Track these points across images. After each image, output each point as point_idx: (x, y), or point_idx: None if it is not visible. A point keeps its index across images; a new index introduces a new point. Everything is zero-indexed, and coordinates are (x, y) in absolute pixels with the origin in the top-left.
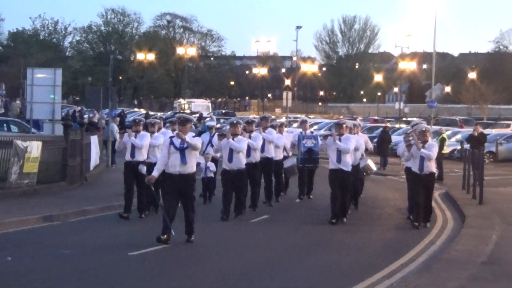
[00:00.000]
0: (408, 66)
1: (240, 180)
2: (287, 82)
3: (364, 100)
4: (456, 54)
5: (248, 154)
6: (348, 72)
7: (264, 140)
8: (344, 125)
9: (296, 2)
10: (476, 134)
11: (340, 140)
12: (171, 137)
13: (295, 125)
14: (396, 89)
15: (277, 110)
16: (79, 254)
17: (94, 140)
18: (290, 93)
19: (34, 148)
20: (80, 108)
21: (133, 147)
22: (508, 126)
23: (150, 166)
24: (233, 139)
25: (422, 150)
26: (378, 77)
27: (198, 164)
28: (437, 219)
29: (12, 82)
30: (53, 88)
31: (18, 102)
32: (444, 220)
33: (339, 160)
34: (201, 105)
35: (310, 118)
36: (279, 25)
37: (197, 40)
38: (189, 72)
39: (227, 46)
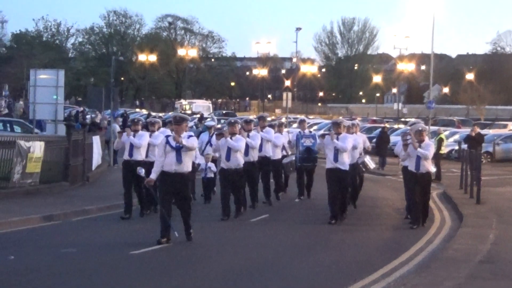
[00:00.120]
0: (407, 67)
1: (237, 179)
2: (287, 83)
3: (363, 100)
4: (454, 55)
5: (246, 153)
6: (347, 73)
7: (262, 139)
8: (341, 124)
9: (296, 4)
10: (473, 134)
11: (337, 139)
12: (167, 137)
13: (295, 125)
14: (394, 90)
15: (277, 111)
16: (80, 253)
17: (96, 140)
18: (290, 94)
19: (37, 148)
20: (82, 109)
21: (132, 146)
22: (505, 126)
23: (150, 165)
24: (231, 138)
25: (419, 149)
26: (377, 78)
27: (198, 165)
28: (435, 219)
29: (15, 83)
30: (56, 89)
31: (21, 102)
32: (442, 220)
33: (336, 159)
34: (202, 106)
35: (309, 118)
36: (279, 27)
37: (198, 42)
38: (190, 73)
39: (228, 48)
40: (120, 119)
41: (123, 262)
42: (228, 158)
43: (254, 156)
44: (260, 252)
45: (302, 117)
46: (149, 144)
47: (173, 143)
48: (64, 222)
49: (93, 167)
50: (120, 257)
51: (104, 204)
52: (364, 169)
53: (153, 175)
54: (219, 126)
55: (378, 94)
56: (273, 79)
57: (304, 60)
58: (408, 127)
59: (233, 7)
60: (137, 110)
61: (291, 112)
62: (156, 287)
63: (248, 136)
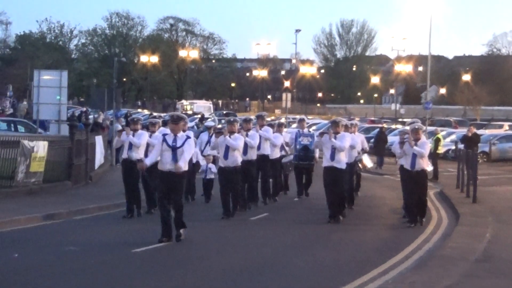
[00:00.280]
0: (404, 68)
1: (235, 178)
2: (287, 84)
3: (361, 101)
4: (450, 56)
5: (245, 152)
6: (346, 74)
7: (260, 138)
8: (340, 123)
9: (295, 7)
10: (470, 134)
11: (335, 138)
12: (164, 135)
13: (294, 125)
14: (392, 91)
15: (277, 111)
16: (82, 252)
17: (99, 140)
18: (289, 95)
19: (41, 148)
20: (85, 109)
21: (131, 145)
22: (501, 127)
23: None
24: (230, 136)
25: (415, 147)
26: (375, 79)
27: (199, 166)
28: (431, 218)
29: (19, 84)
30: (59, 89)
31: (25, 103)
32: (438, 218)
33: (332, 157)
34: (203, 106)
35: (308, 118)
36: (279, 29)
37: (199, 43)
38: (191, 74)
39: (228, 49)
40: (123, 119)
41: (125, 261)
42: (226, 156)
43: (253, 155)
44: (260, 251)
45: (302, 116)
46: (148, 145)
47: (170, 142)
48: (67, 221)
49: (96, 167)
50: (121, 255)
51: (106, 203)
52: (361, 167)
53: (148, 161)
54: (219, 126)
55: (376, 95)
56: (273, 80)
57: (303, 61)
58: (407, 127)
59: (233, 9)
60: (139, 110)
61: (291, 113)
62: (157, 285)
63: (247, 135)
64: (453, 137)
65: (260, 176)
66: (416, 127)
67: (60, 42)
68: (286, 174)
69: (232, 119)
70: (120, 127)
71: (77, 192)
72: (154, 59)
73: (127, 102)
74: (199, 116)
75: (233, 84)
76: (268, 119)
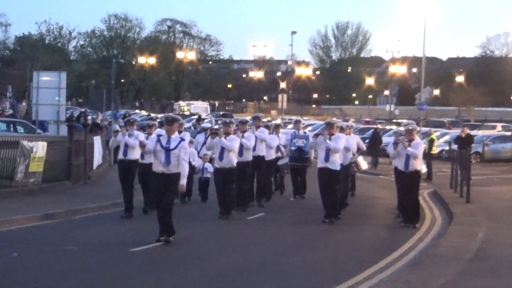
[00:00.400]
0: (399, 70)
1: (230, 179)
2: (283, 85)
3: (356, 102)
4: (444, 58)
5: (241, 154)
6: (341, 75)
7: (256, 139)
8: (335, 125)
9: (291, 9)
10: (463, 135)
11: (330, 139)
12: (158, 135)
13: (290, 126)
14: (387, 92)
15: (273, 112)
16: (82, 251)
17: (97, 140)
18: (285, 96)
19: (40, 148)
20: (84, 110)
21: (126, 146)
22: (494, 127)
23: (146, 167)
24: (225, 138)
25: (408, 148)
26: (370, 81)
27: (194, 166)
28: (426, 217)
29: (19, 85)
30: (58, 90)
31: (24, 104)
32: (432, 218)
33: (327, 158)
34: (200, 107)
35: (304, 119)
36: (275, 31)
37: (196, 45)
38: (188, 75)
39: (225, 51)
40: (121, 120)
41: (124, 260)
42: (221, 157)
43: (248, 156)
44: (258, 251)
45: (298, 118)
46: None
47: (164, 143)
48: (66, 220)
49: (94, 167)
50: (120, 255)
51: (105, 202)
52: (356, 169)
53: (149, 145)
54: (216, 126)
55: (370, 96)
56: (269, 81)
57: (299, 63)
58: (401, 128)
59: (230, 12)
60: (137, 111)
61: (287, 114)
62: (157, 285)
63: (242, 136)
64: (446, 137)
65: (255, 177)
66: (410, 128)
67: (59, 44)
68: (282, 175)
69: (228, 121)
70: (118, 128)
71: (76, 192)
72: (152, 60)
73: (126, 103)
74: (196, 117)
75: (229, 85)
76: (264, 119)
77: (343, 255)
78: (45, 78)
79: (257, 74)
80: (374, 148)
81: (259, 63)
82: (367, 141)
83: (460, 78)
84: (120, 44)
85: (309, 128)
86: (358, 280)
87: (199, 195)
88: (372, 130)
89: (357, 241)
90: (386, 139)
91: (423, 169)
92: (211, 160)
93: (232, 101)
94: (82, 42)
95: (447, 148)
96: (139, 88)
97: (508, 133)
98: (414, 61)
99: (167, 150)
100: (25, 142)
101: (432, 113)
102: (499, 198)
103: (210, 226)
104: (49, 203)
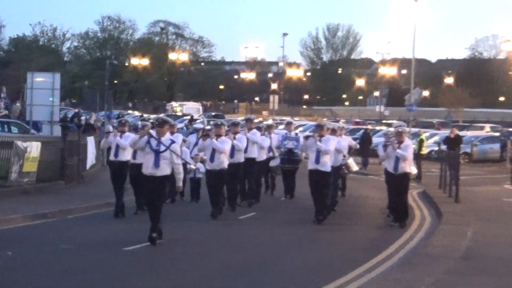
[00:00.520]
0: (388, 71)
1: (221, 180)
2: (274, 86)
3: (347, 103)
4: (434, 60)
5: (232, 155)
6: (331, 76)
7: (248, 141)
8: (325, 127)
9: (283, 11)
10: (452, 136)
11: (320, 141)
12: (148, 137)
13: (281, 127)
14: (377, 93)
15: (264, 113)
16: (77, 250)
17: (91, 140)
18: (276, 97)
19: (34, 148)
20: (77, 110)
21: (117, 147)
22: (482, 128)
23: (138, 167)
24: (216, 139)
25: (398, 150)
26: (360, 82)
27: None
28: (415, 217)
29: (13, 86)
30: (52, 91)
31: (18, 104)
32: (422, 218)
33: (317, 160)
34: (192, 108)
35: (295, 120)
36: (267, 32)
37: (189, 46)
38: (181, 77)
39: (217, 52)
40: (115, 121)
41: (118, 259)
42: (212, 159)
43: (240, 158)
44: (250, 250)
45: (289, 119)
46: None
47: (154, 145)
48: (60, 220)
49: (88, 167)
50: (114, 253)
51: (98, 202)
52: (346, 171)
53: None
54: (208, 127)
55: (361, 97)
56: (260, 82)
57: (290, 64)
58: (391, 129)
59: (222, 13)
60: (130, 112)
61: (278, 114)
62: (153, 284)
63: (234, 138)
64: (436, 138)
65: (246, 178)
66: (400, 130)
67: (53, 45)
68: (273, 176)
69: (219, 123)
70: (110, 128)
71: (69, 192)
72: (145, 61)
73: (119, 103)
74: (189, 117)
75: (221, 87)
76: (256, 120)
77: (334, 254)
78: (39, 79)
79: (248, 75)
80: (364, 148)
81: (251, 64)
82: (357, 141)
83: (449, 80)
84: (113, 46)
85: (300, 128)
86: (348, 279)
87: (191, 195)
88: (362, 131)
89: (348, 240)
90: (376, 140)
91: (414, 170)
92: (202, 161)
93: (223, 102)
94: (76, 44)
95: (436, 148)
96: (132, 89)
97: (496, 134)
98: (403, 63)
99: (157, 153)
100: (19, 142)
101: (421, 114)
102: (487, 198)
103: (203, 226)
104: (43, 203)
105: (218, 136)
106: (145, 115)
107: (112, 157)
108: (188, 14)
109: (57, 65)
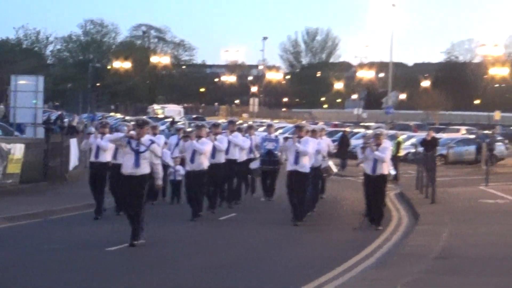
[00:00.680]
0: (366, 74)
1: (200, 181)
2: (254, 89)
3: (325, 106)
4: (411, 63)
5: (213, 156)
6: (310, 80)
7: (229, 143)
8: (303, 128)
9: (263, 15)
10: (429, 138)
11: (299, 142)
12: (128, 137)
13: (261, 129)
14: (355, 96)
15: (244, 115)
16: (59, 250)
17: (74, 142)
18: (256, 100)
19: (17, 150)
20: (61, 113)
21: (98, 148)
22: (458, 131)
23: (118, 167)
24: (197, 141)
25: (376, 152)
26: (339, 85)
27: (168, 167)
28: (392, 218)
29: None
30: (35, 94)
31: (2, 106)
32: (399, 219)
33: (296, 161)
34: (173, 110)
35: (275, 122)
36: (247, 36)
37: (170, 50)
38: (163, 80)
39: (198, 55)
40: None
41: (100, 259)
42: (192, 160)
43: (221, 159)
44: (230, 250)
45: (270, 122)
46: (117, 148)
47: (134, 145)
48: (44, 220)
49: (71, 168)
50: (97, 253)
51: (81, 203)
52: (326, 174)
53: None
54: (190, 129)
55: (339, 100)
56: (240, 85)
57: (270, 68)
58: (371, 131)
59: (204, 18)
60: (112, 114)
61: (258, 117)
62: (137, 283)
63: (215, 139)
64: (413, 140)
65: (227, 179)
66: (378, 132)
67: (36, 48)
68: (254, 177)
69: (200, 124)
70: (93, 130)
71: (53, 193)
72: (127, 64)
73: (101, 106)
74: (170, 119)
75: (202, 89)
76: (240, 121)
77: (313, 254)
78: (23, 81)
79: (229, 79)
80: (342, 150)
81: (231, 67)
82: (335, 143)
83: (425, 83)
84: (96, 49)
85: (280, 130)
86: (327, 278)
87: (171, 197)
88: (340, 133)
89: (327, 241)
90: (354, 142)
91: (392, 172)
92: (182, 163)
93: (203, 104)
94: (59, 47)
95: (413, 150)
96: (114, 91)
97: (472, 136)
98: (381, 66)
99: (137, 153)
100: (3, 144)
101: (398, 116)
102: (463, 198)
103: (184, 226)
104: (26, 204)
105: (199, 137)
106: (127, 118)
107: (92, 158)
108: (169, 18)
109: (40, 68)
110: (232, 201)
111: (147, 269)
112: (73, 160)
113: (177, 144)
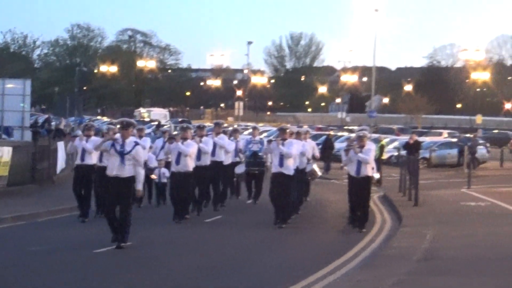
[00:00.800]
0: (350, 78)
1: (185, 183)
2: (239, 93)
3: (309, 109)
4: (393, 68)
5: (199, 158)
6: (294, 84)
7: (215, 145)
8: (287, 130)
9: (248, 20)
10: (411, 141)
11: (283, 144)
12: (112, 140)
13: (246, 132)
14: (338, 100)
15: (230, 119)
16: (46, 252)
17: (61, 145)
18: (241, 103)
19: (5, 153)
20: (48, 116)
21: (84, 151)
22: (440, 134)
23: (104, 170)
24: (182, 143)
25: (359, 154)
26: (322, 89)
27: (153, 169)
28: (376, 220)
29: None
30: (23, 97)
31: None
32: (382, 221)
33: (281, 164)
34: (159, 114)
35: (260, 126)
36: (232, 41)
37: (156, 54)
38: (149, 83)
39: (184, 59)
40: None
41: (87, 261)
42: (177, 162)
43: (206, 160)
44: (216, 252)
45: (255, 125)
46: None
47: (118, 147)
48: (31, 223)
49: (58, 171)
50: (84, 254)
51: (69, 205)
52: (310, 178)
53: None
54: (175, 133)
55: (323, 104)
56: (225, 89)
57: (255, 72)
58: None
59: (189, 22)
60: (98, 117)
61: (243, 120)
62: (119, 285)
63: (200, 141)
64: (395, 144)
65: (212, 182)
66: (361, 134)
67: (24, 52)
68: (239, 181)
69: (185, 126)
70: (79, 133)
71: (40, 195)
72: (114, 68)
73: (88, 109)
74: (156, 123)
75: (188, 93)
76: (225, 124)
77: (299, 256)
78: (10, 85)
79: (214, 82)
80: (326, 154)
81: (216, 71)
82: (320, 146)
83: (408, 87)
84: (83, 53)
85: (264, 134)
86: (311, 281)
87: (157, 200)
88: (324, 137)
89: (311, 243)
90: (338, 145)
91: (376, 175)
92: (167, 166)
93: (188, 108)
94: (46, 51)
95: (396, 154)
96: (101, 95)
97: (454, 140)
98: (364, 71)
99: (122, 154)
100: None
101: (381, 120)
102: (445, 201)
103: (172, 228)
104: (14, 206)
105: (184, 139)
106: (114, 121)
107: (78, 161)
108: (155, 23)
109: (27, 72)
110: (217, 203)
111: (134, 270)
112: (61, 163)
113: (162, 147)
